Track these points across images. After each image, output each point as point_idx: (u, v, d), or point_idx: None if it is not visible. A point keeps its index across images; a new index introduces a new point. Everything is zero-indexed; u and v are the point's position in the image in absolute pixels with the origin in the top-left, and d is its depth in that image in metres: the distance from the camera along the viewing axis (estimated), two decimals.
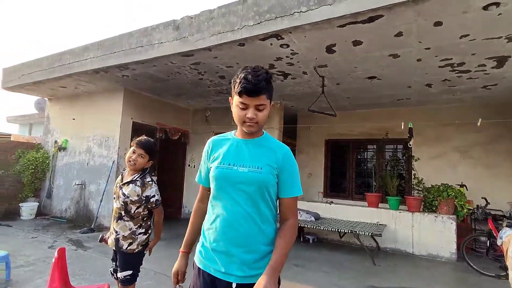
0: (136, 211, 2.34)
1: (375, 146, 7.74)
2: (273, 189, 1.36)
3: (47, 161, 7.81)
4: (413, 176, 6.92)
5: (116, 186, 2.43)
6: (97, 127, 7.02)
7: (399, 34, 3.65)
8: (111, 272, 2.47)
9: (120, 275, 2.34)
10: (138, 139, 2.42)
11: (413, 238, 5.70)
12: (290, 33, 3.72)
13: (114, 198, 2.43)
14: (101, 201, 6.44)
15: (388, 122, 7.11)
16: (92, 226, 6.24)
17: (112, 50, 5.34)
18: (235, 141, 1.43)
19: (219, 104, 7.78)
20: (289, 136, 8.28)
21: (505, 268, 4.14)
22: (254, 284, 1.20)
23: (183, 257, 1.52)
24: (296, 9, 3.51)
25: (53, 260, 2.56)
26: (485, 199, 5.27)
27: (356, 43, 3.93)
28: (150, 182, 2.38)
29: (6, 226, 6.24)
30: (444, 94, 6.03)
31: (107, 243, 2.45)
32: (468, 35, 3.59)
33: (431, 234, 5.57)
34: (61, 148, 7.62)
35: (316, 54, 4.38)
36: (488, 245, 4.83)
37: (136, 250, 2.35)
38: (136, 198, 2.32)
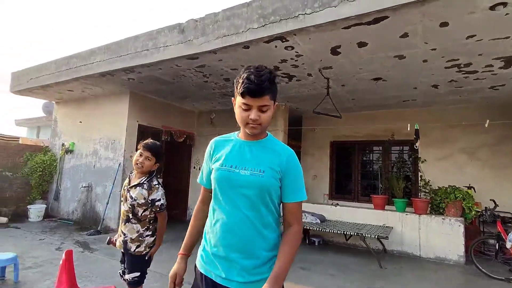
0: (143, 214, 2.37)
1: (381, 148, 7.66)
2: (276, 193, 1.31)
3: (55, 164, 7.91)
4: (419, 178, 6.84)
5: (124, 189, 2.46)
6: (103, 130, 7.10)
7: (405, 35, 3.63)
8: (120, 274, 2.50)
9: (127, 277, 2.36)
10: (144, 142, 2.45)
11: (420, 241, 5.64)
12: (295, 35, 3.72)
13: (122, 200, 2.46)
14: (107, 203, 6.49)
15: (394, 124, 7.05)
16: (99, 228, 6.29)
17: (118, 53, 5.40)
18: (238, 142, 1.39)
19: (224, 106, 7.81)
20: (294, 138, 8.27)
21: None
22: None
23: (182, 259, 1.46)
24: (300, 11, 3.51)
25: (61, 262, 2.59)
26: (494, 201, 5.19)
27: (361, 44, 3.92)
28: (157, 186, 2.40)
29: (14, 228, 6.32)
30: (450, 95, 5.97)
31: (115, 245, 2.47)
32: (475, 35, 3.56)
33: (438, 237, 5.50)
34: (68, 151, 7.71)
35: (321, 56, 4.37)
36: (497, 248, 4.76)
37: (144, 252, 2.37)
38: (143, 201, 2.34)
